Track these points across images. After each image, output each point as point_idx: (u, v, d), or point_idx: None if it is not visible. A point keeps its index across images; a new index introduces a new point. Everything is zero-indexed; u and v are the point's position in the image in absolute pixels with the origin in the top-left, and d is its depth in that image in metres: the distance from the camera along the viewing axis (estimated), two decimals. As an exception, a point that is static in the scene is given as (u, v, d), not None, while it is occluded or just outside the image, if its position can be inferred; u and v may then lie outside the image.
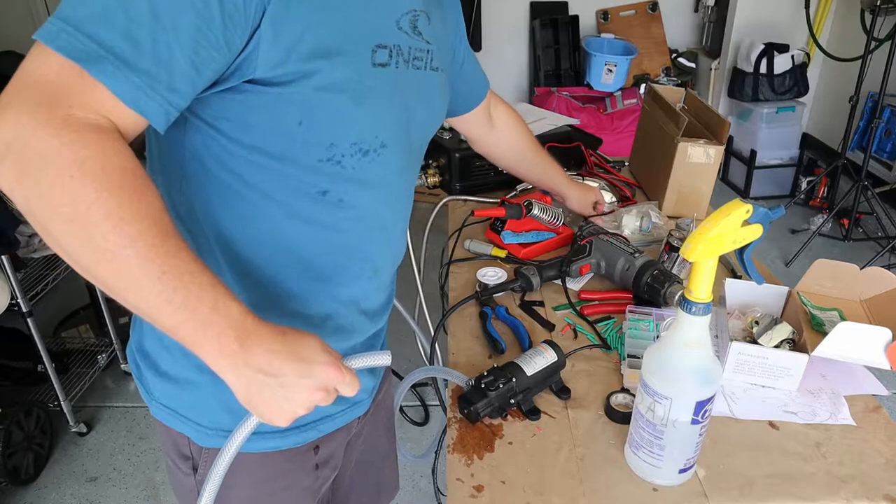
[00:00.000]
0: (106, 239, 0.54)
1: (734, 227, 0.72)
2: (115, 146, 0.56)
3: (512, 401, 0.91)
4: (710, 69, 4.26)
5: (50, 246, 0.57)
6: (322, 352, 0.62)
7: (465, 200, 1.58)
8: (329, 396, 0.62)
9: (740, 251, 0.81)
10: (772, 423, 0.92)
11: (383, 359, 0.70)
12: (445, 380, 0.97)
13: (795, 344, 1.00)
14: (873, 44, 3.19)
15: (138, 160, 0.58)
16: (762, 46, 3.77)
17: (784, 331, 1.00)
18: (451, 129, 1.61)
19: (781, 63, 3.76)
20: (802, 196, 3.75)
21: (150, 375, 0.81)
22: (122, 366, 2.53)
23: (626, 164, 1.80)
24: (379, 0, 0.70)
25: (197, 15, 0.57)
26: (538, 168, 1.36)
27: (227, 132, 0.67)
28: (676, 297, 1.09)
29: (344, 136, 0.70)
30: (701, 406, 0.75)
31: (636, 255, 1.19)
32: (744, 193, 3.98)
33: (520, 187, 1.58)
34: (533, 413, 0.92)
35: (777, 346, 0.99)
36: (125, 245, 0.54)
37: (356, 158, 0.72)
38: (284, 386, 0.60)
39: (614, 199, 1.54)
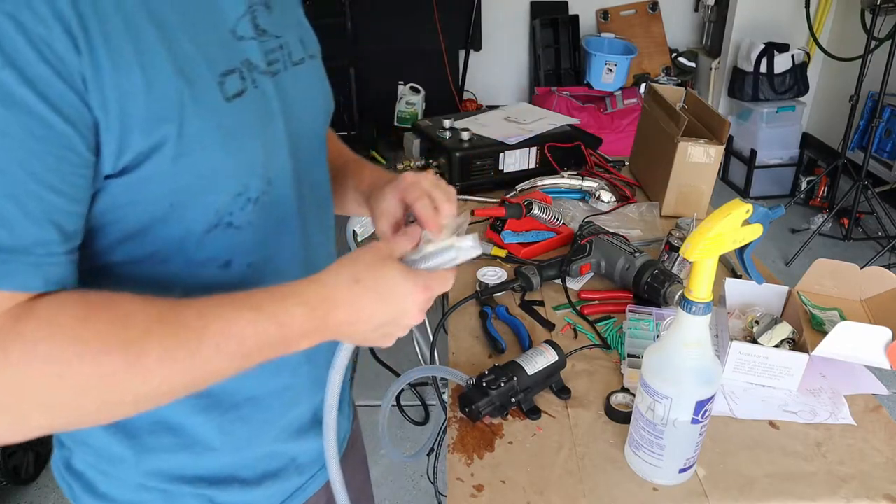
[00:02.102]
0: (143, 383, 0.50)
1: (734, 226, 0.72)
2: (35, 323, 0.48)
3: (513, 400, 0.91)
4: (711, 69, 4.26)
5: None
6: (404, 280, 0.59)
7: (465, 200, 1.58)
8: (424, 311, 0.62)
9: (740, 251, 0.81)
10: (772, 423, 0.92)
11: (447, 256, 0.62)
12: (445, 379, 0.97)
13: (795, 343, 1.00)
14: (873, 43, 3.19)
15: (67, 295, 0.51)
16: (762, 46, 3.78)
17: (784, 330, 1.00)
18: (451, 129, 1.61)
19: (781, 62, 3.76)
20: (802, 196, 3.75)
21: (87, 498, 0.71)
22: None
23: (626, 163, 1.80)
24: (204, 18, 0.58)
25: (39, 141, 0.46)
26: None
27: (98, 246, 0.57)
28: (676, 296, 1.09)
29: (225, 193, 0.59)
30: (701, 406, 0.75)
31: (636, 254, 1.19)
32: (744, 193, 3.98)
33: (519, 187, 1.58)
34: (533, 412, 0.92)
35: (777, 346, 0.99)
36: (156, 374, 0.50)
37: (248, 209, 0.62)
38: (384, 326, 0.60)
39: (613, 198, 1.54)
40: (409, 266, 0.61)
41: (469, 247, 0.63)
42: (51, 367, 0.47)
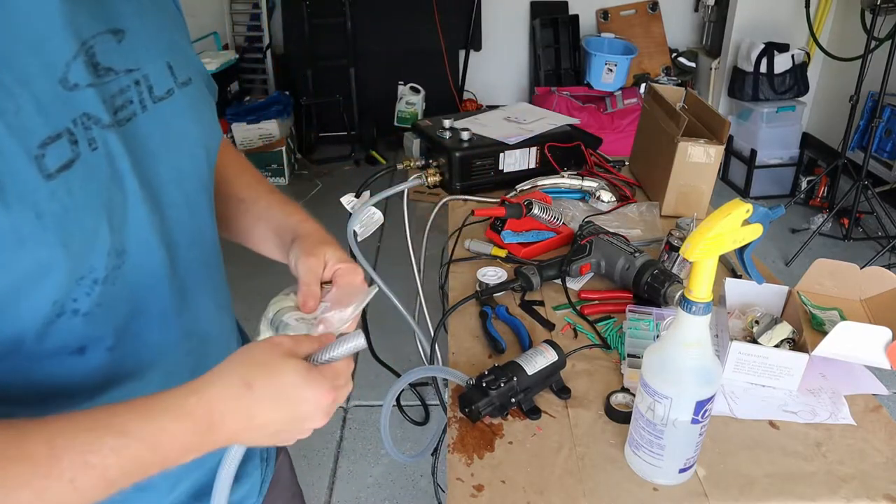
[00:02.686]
0: None
1: (734, 226, 0.72)
2: None
3: (513, 400, 0.91)
4: (711, 69, 4.26)
5: None
6: (304, 384, 0.52)
7: (465, 200, 1.57)
8: (330, 414, 0.55)
9: (740, 251, 0.81)
10: (772, 423, 0.92)
11: (357, 342, 0.57)
12: (445, 379, 0.97)
13: (795, 343, 1.00)
14: (873, 43, 3.19)
15: None
16: (762, 46, 3.77)
17: (784, 330, 1.00)
18: (451, 129, 1.61)
19: (781, 62, 3.76)
20: (802, 195, 3.75)
21: None
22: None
23: (626, 163, 1.80)
24: (15, 71, 0.45)
25: None
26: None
27: None
28: (676, 296, 1.09)
29: (59, 284, 0.49)
30: (701, 405, 0.75)
31: (636, 254, 1.19)
32: (744, 193, 3.98)
33: (520, 187, 1.58)
34: (533, 412, 0.92)
35: (777, 346, 0.99)
36: None
37: (96, 291, 0.52)
38: (282, 434, 0.54)
39: (613, 198, 1.54)
40: (311, 363, 0.55)
41: (362, 342, 0.58)
42: None
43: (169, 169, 0.59)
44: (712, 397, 0.76)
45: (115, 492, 0.47)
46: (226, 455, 0.56)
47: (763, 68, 3.78)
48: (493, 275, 1.22)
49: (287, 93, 4.35)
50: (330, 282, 0.67)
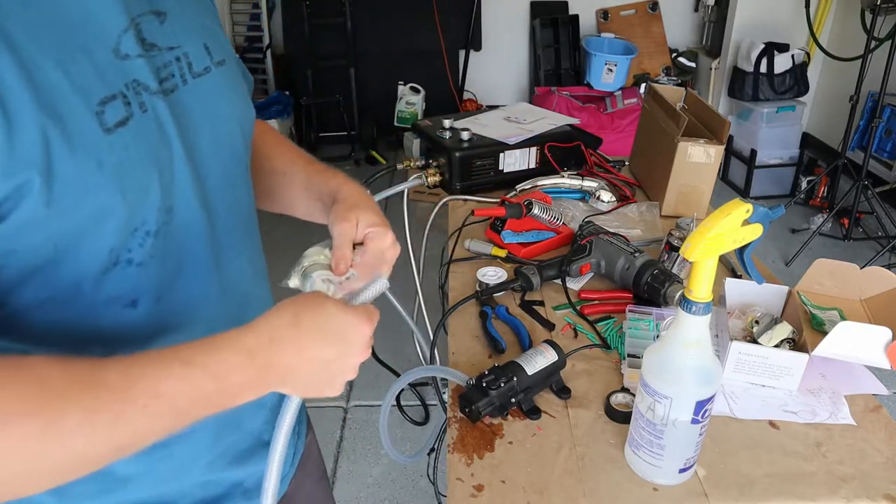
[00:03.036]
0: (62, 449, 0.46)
1: (734, 226, 0.72)
2: None
3: (513, 400, 0.91)
4: (711, 69, 4.26)
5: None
6: (345, 315, 0.58)
7: (465, 200, 1.58)
8: (370, 346, 0.60)
9: (740, 251, 0.81)
10: (772, 423, 0.92)
11: (382, 285, 0.64)
12: (445, 379, 0.97)
13: (795, 343, 1.00)
14: (873, 43, 3.19)
15: None
16: (762, 46, 3.77)
17: (784, 330, 1.00)
18: (451, 129, 1.61)
19: (781, 62, 3.76)
20: (802, 195, 3.75)
21: None
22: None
23: (627, 163, 1.80)
24: (75, 40, 0.51)
25: None
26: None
27: None
28: (676, 296, 1.09)
29: (117, 232, 0.54)
30: (701, 405, 0.75)
31: (636, 254, 1.19)
32: (744, 193, 3.98)
33: (520, 187, 1.58)
34: (533, 412, 0.92)
35: (777, 346, 0.99)
36: (76, 439, 0.46)
37: (148, 244, 0.57)
38: (330, 367, 0.58)
39: (613, 198, 1.54)
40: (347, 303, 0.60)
41: (385, 282, 0.65)
42: None
43: (207, 140, 0.64)
44: (712, 397, 0.76)
45: (186, 424, 0.51)
46: (283, 408, 0.60)
47: (763, 68, 3.78)
48: (493, 275, 1.22)
49: (287, 93, 4.35)
50: (362, 243, 0.71)
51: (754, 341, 1.00)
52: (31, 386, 0.45)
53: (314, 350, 0.56)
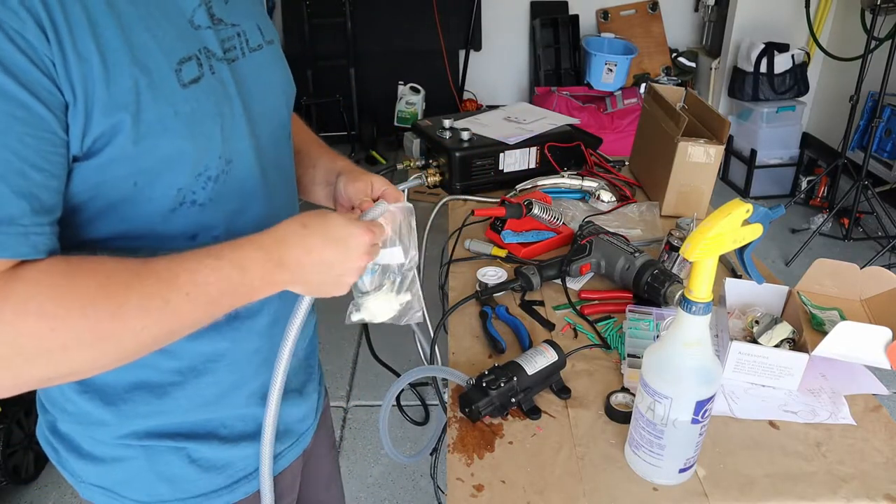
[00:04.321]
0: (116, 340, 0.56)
1: (734, 226, 0.72)
2: (24, 284, 0.53)
3: (513, 400, 0.91)
4: (711, 69, 4.26)
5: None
6: (347, 224, 0.66)
7: (465, 200, 1.58)
8: (372, 253, 0.69)
9: (740, 251, 0.81)
10: (772, 423, 0.92)
11: (385, 206, 0.72)
12: (445, 379, 0.97)
13: (795, 343, 1.00)
14: (873, 43, 3.19)
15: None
16: (762, 46, 3.77)
17: (784, 330, 1.00)
18: (451, 129, 1.61)
19: (781, 62, 3.76)
20: (802, 195, 3.75)
21: (72, 459, 0.76)
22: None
23: (626, 163, 1.80)
24: (161, 11, 0.62)
25: (21, 123, 0.51)
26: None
27: (75, 224, 0.61)
28: (676, 296, 1.09)
29: (185, 173, 0.63)
30: (701, 405, 0.75)
31: (636, 254, 1.19)
32: (744, 193, 3.98)
33: (520, 187, 1.58)
34: (533, 412, 0.92)
35: (777, 346, 0.99)
36: (136, 322, 0.56)
37: (209, 187, 0.66)
38: (334, 268, 0.66)
39: (613, 198, 1.54)
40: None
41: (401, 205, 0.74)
42: (43, 322, 0.52)
43: (260, 104, 0.73)
44: (712, 397, 0.76)
45: (220, 313, 0.62)
46: (295, 306, 0.69)
47: (763, 68, 3.78)
48: (493, 275, 1.22)
49: (287, 93, 4.34)
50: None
51: (754, 341, 1.00)
52: (99, 279, 0.55)
53: (318, 251, 0.64)
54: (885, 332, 0.92)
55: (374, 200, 0.76)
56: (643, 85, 4.27)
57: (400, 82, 4.42)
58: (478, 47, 4.62)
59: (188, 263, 0.59)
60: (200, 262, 0.59)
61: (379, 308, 0.73)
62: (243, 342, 0.75)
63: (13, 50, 0.50)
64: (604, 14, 4.59)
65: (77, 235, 0.61)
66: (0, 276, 0.52)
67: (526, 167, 1.63)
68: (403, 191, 1.35)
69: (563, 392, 0.96)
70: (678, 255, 1.22)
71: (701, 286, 0.71)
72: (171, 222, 0.65)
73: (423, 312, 0.75)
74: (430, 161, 1.62)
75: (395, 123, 4.42)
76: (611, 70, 4.26)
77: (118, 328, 0.55)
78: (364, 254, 0.67)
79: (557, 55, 4.55)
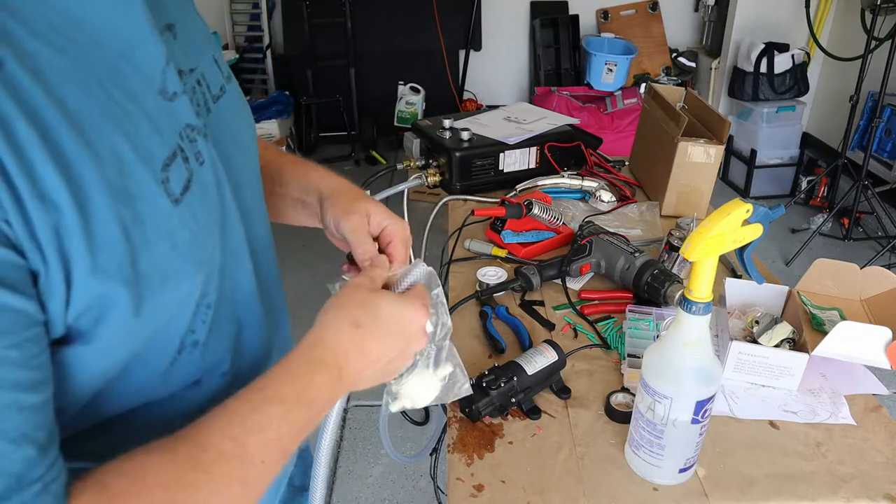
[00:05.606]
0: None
1: (734, 226, 0.72)
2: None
3: (513, 400, 0.91)
4: (711, 68, 4.26)
5: None
6: (401, 310, 0.55)
7: (465, 200, 1.58)
8: (426, 332, 0.59)
9: (740, 251, 0.81)
10: (772, 423, 0.92)
11: (422, 269, 0.60)
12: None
13: (795, 343, 1.00)
14: (873, 43, 3.19)
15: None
16: (762, 46, 3.77)
17: (784, 330, 1.00)
18: (451, 129, 1.61)
19: (782, 62, 3.76)
20: (802, 195, 3.75)
21: None
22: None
23: (627, 163, 1.80)
24: (124, 88, 0.41)
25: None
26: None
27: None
28: (676, 296, 1.09)
29: (186, 318, 0.48)
30: (701, 405, 0.75)
31: (636, 254, 1.19)
32: (744, 193, 3.98)
33: (520, 187, 1.58)
34: (533, 412, 0.92)
35: (777, 346, 0.99)
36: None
37: (209, 318, 0.50)
38: (391, 362, 0.56)
39: (613, 198, 1.54)
40: (394, 292, 0.58)
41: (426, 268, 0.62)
42: None
43: (241, 171, 0.57)
44: (712, 397, 0.76)
45: (289, 458, 0.49)
46: (325, 420, 0.58)
47: (763, 68, 3.78)
48: (493, 275, 1.22)
49: (287, 93, 4.34)
50: (376, 238, 0.66)
51: (754, 341, 1.00)
52: (159, 496, 0.41)
53: (377, 351, 0.54)
54: (885, 332, 0.92)
55: (375, 238, 0.64)
56: (643, 85, 4.27)
57: (400, 82, 4.42)
58: (478, 47, 4.62)
59: (250, 422, 0.46)
60: (265, 415, 0.46)
61: (418, 390, 0.63)
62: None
63: None
64: (604, 14, 4.59)
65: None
66: None
67: (526, 167, 1.63)
68: (403, 191, 1.32)
69: (563, 392, 0.96)
70: (678, 255, 1.22)
71: (701, 286, 0.71)
72: (170, 378, 0.50)
73: (467, 380, 0.65)
74: (430, 161, 1.62)
75: (395, 123, 4.42)
76: (611, 70, 4.26)
77: None
78: (422, 335, 0.57)
79: (557, 55, 4.55)
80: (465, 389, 0.65)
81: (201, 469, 0.43)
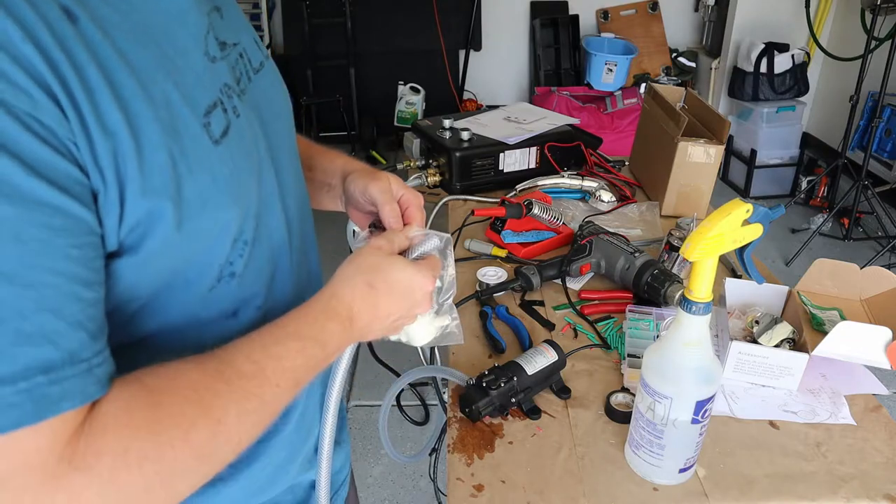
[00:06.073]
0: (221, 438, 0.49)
1: (734, 226, 0.72)
2: (113, 433, 0.44)
3: (513, 400, 0.91)
4: (711, 68, 4.26)
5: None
6: (413, 275, 0.62)
7: (465, 200, 1.58)
8: (432, 297, 0.66)
9: (740, 251, 0.81)
10: (772, 423, 0.92)
11: (435, 242, 0.67)
12: (445, 379, 0.97)
13: (795, 343, 1.00)
14: (873, 43, 3.19)
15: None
16: (762, 46, 3.77)
17: (784, 330, 1.00)
18: (451, 129, 1.61)
19: (782, 62, 3.76)
20: (802, 195, 3.75)
21: None
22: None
23: (627, 163, 1.80)
24: (176, 45, 0.49)
25: (59, 234, 0.41)
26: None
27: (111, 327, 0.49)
28: (676, 296, 1.09)
29: (226, 245, 0.54)
30: (701, 405, 0.75)
31: (636, 254, 1.19)
32: (744, 193, 3.98)
33: (520, 187, 1.58)
34: (533, 412, 0.92)
35: (777, 346, 0.99)
36: (237, 431, 0.50)
37: (246, 253, 0.56)
38: (397, 318, 0.63)
39: (613, 198, 1.54)
40: (409, 259, 0.65)
41: (441, 235, 0.69)
42: (147, 468, 0.44)
43: (277, 135, 0.64)
44: (712, 397, 0.76)
45: (299, 392, 0.55)
46: (336, 361, 0.65)
47: (763, 68, 3.78)
48: (493, 275, 1.22)
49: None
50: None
51: (754, 341, 1.00)
52: (188, 397, 0.47)
53: (385, 308, 0.61)
54: (885, 332, 0.92)
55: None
56: (643, 85, 4.27)
57: (400, 82, 4.41)
58: (478, 47, 4.62)
59: (271, 350, 0.53)
60: (284, 347, 0.53)
61: (417, 332, 0.71)
62: (291, 411, 0.69)
63: (33, 141, 0.39)
64: (604, 14, 4.59)
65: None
66: (79, 430, 0.43)
67: (526, 167, 1.63)
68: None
69: (563, 392, 0.96)
70: (678, 255, 1.22)
71: (701, 286, 0.71)
72: (209, 303, 0.56)
73: (461, 334, 0.73)
74: (430, 161, 1.62)
75: (395, 123, 4.42)
76: (611, 70, 4.26)
77: (221, 443, 0.49)
78: (428, 300, 0.64)
79: (557, 55, 4.55)
80: (458, 339, 0.73)
81: (224, 380, 0.49)
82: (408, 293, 0.62)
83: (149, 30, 0.47)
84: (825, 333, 0.94)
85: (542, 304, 1.19)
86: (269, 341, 0.53)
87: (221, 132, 0.51)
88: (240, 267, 0.56)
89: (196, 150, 0.48)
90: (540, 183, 1.58)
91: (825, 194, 3.74)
